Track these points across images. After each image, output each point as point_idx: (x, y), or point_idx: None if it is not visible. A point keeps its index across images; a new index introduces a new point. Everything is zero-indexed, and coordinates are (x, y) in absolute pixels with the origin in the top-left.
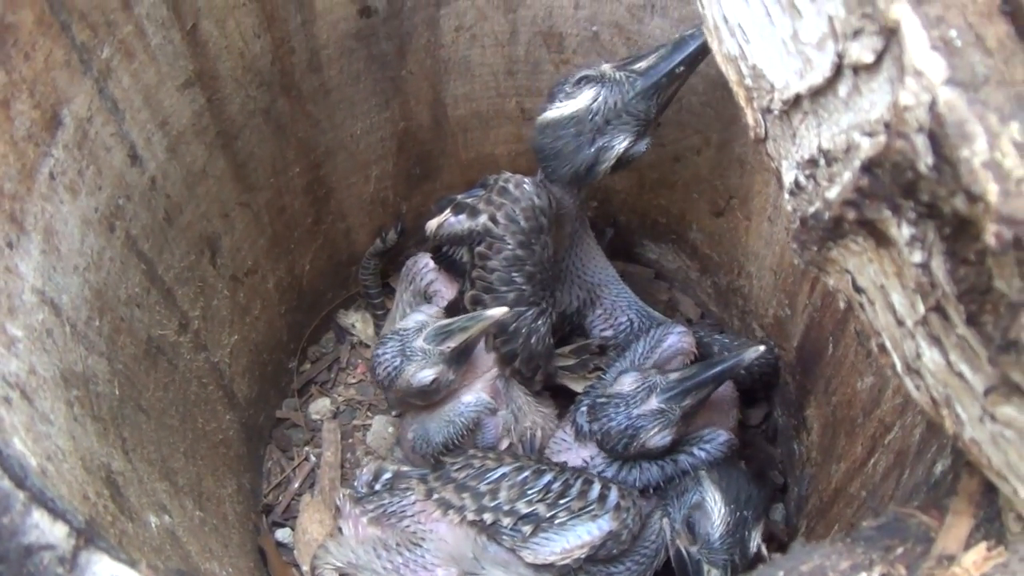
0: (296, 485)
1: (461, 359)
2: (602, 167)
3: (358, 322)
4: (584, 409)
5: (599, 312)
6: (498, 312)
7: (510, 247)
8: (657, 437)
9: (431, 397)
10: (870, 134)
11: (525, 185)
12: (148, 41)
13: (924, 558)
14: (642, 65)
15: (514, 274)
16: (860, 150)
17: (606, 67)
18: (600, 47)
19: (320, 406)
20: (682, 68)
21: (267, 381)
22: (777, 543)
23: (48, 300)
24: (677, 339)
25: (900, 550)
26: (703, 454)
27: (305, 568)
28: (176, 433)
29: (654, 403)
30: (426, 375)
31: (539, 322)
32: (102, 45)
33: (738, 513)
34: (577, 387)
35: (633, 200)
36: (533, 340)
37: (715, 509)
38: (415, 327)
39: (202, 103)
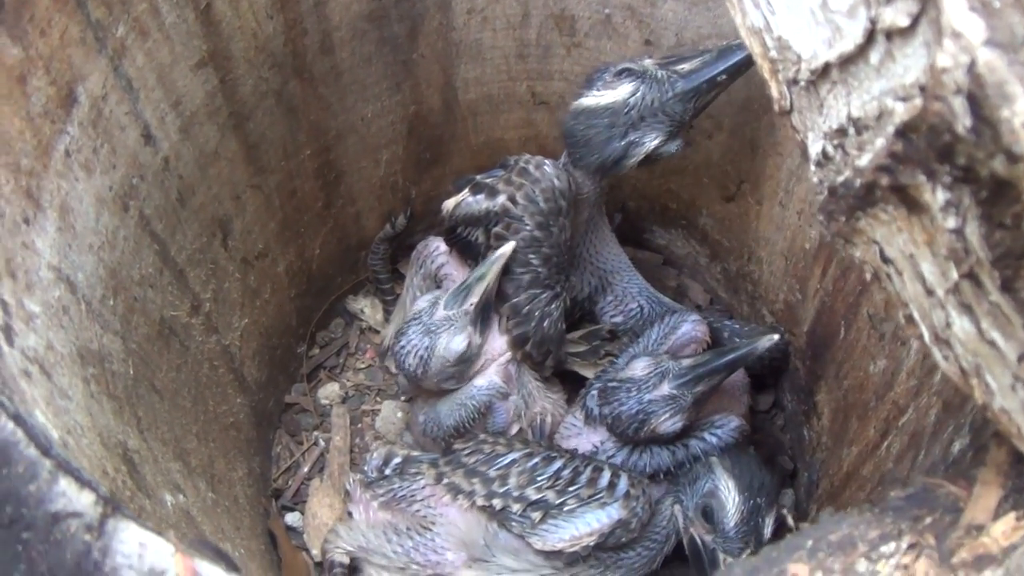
0: (305, 470)
1: (485, 317)
2: (630, 161)
3: (367, 307)
4: (595, 393)
5: (610, 299)
6: (508, 247)
7: (528, 228)
8: (668, 423)
9: (469, 369)
10: (904, 99)
11: (546, 166)
12: (162, 20)
13: (953, 528)
14: (685, 67)
15: (531, 255)
16: (894, 115)
17: (648, 62)
18: (612, 30)
19: (329, 391)
20: (724, 77)
21: (276, 365)
22: (786, 530)
23: (64, 277)
24: (691, 327)
25: (929, 520)
26: (714, 439)
27: (315, 552)
28: (188, 415)
29: (666, 389)
30: (459, 341)
31: (552, 306)
32: (117, 23)
33: (752, 501)
34: (587, 373)
35: (643, 186)
36: (546, 324)
37: (729, 498)
38: (428, 305)
39: (215, 84)
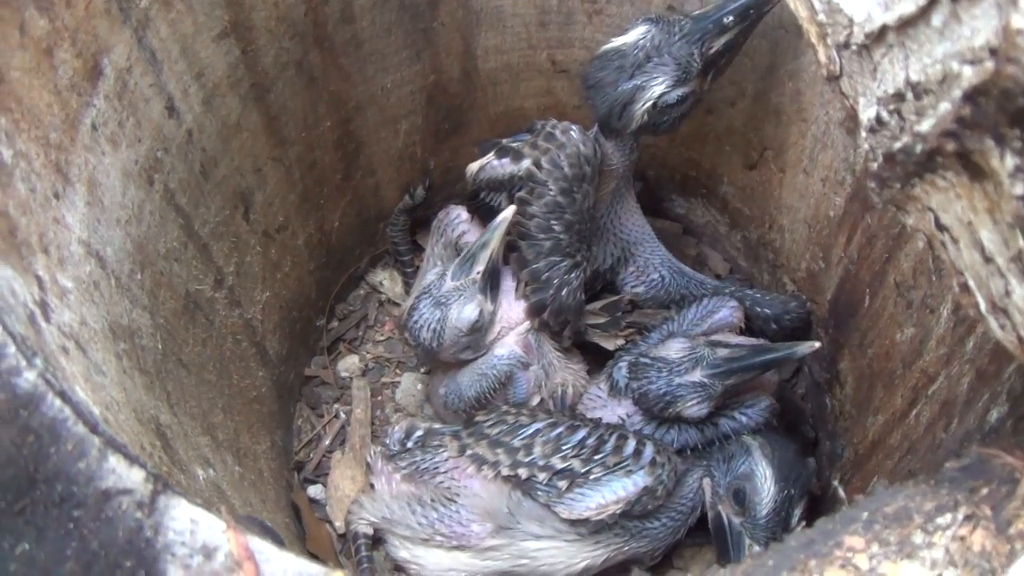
0: (327, 442)
1: (494, 284)
2: (637, 108)
3: (386, 280)
4: (623, 365)
5: (631, 269)
6: (509, 211)
7: (552, 193)
8: (694, 408)
9: (483, 339)
10: (973, 62)
11: (572, 132)
12: None
13: (1009, 499)
14: (697, 12)
15: (553, 222)
16: (961, 79)
17: (667, 13)
18: None
19: (349, 364)
20: (731, 19)
21: (296, 338)
22: (809, 497)
23: (94, 252)
24: (729, 313)
25: (985, 491)
26: (744, 419)
27: (338, 524)
28: (214, 389)
29: (697, 375)
30: (470, 310)
31: (572, 275)
32: None
33: (786, 491)
34: (608, 344)
35: (663, 154)
36: (564, 292)
37: (765, 487)
38: (435, 278)
39: (237, 55)
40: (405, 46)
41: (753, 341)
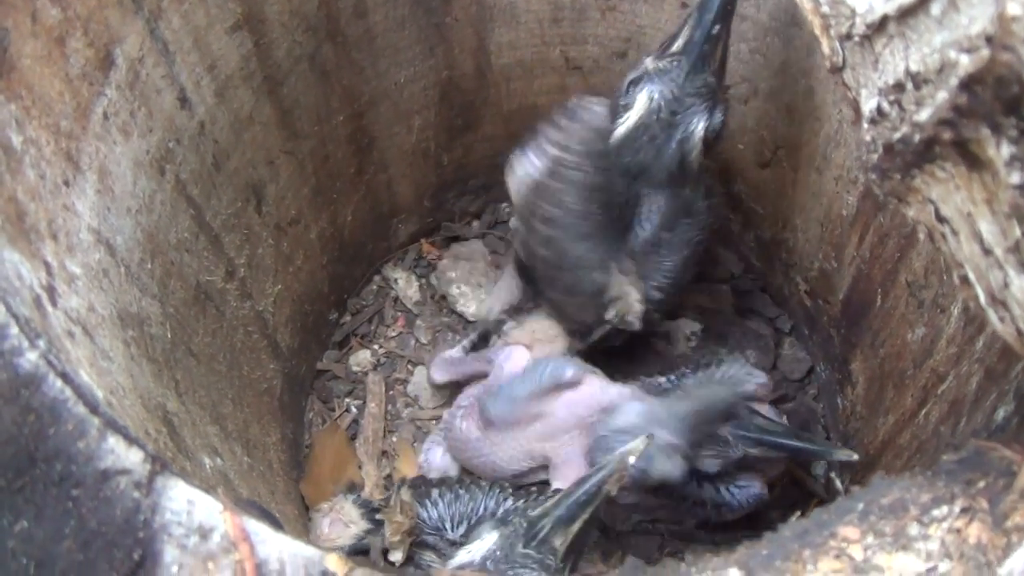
0: None
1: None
2: (692, 156)
3: (402, 279)
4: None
5: None
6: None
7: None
8: (708, 462)
9: None
10: (969, 50)
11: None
12: None
13: (1006, 492)
14: (680, 43)
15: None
16: (958, 68)
17: (647, 61)
18: None
19: (361, 358)
20: (718, 27)
21: (308, 332)
22: (818, 500)
23: (104, 240)
24: (754, 387)
25: (982, 484)
26: (729, 496)
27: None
28: (224, 379)
29: (725, 431)
30: None
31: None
32: None
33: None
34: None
35: None
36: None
37: None
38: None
39: (249, 47)
40: (418, 41)
41: (781, 420)
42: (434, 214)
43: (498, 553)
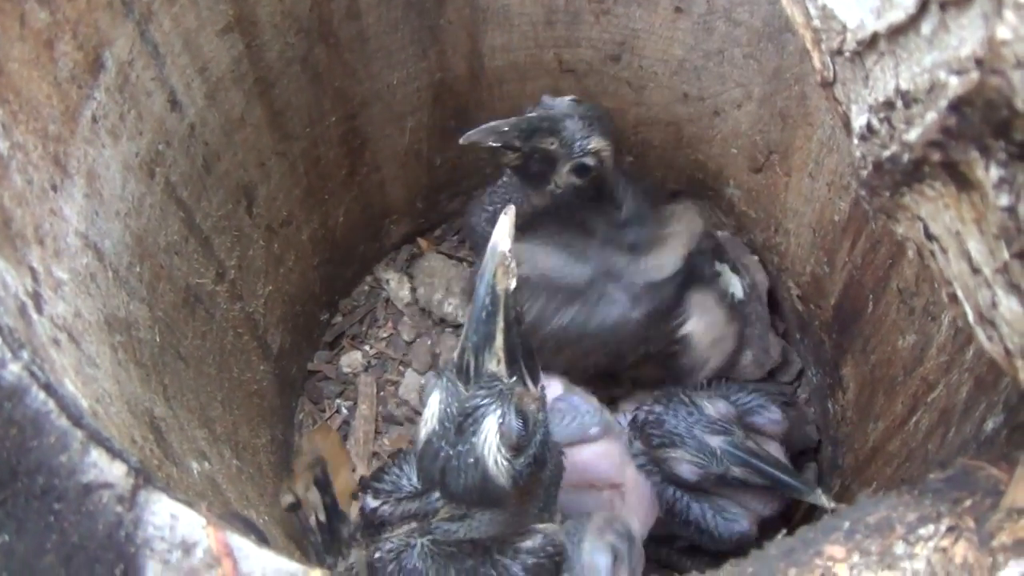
0: None
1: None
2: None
3: (394, 281)
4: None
5: None
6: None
7: None
8: (686, 467)
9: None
10: (959, 72)
11: None
12: None
13: (993, 511)
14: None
15: None
16: (947, 89)
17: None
18: None
19: (352, 359)
20: (519, 141)
21: (299, 333)
22: (808, 504)
23: (92, 244)
24: (766, 421)
25: (968, 503)
26: (715, 525)
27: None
28: (213, 382)
29: (716, 442)
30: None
31: None
32: None
33: None
34: None
35: (669, 156)
36: None
37: None
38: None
39: (241, 49)
40: (411, 43)
41: (781, 458)
42: (426, 215)
43: (450, 409)
